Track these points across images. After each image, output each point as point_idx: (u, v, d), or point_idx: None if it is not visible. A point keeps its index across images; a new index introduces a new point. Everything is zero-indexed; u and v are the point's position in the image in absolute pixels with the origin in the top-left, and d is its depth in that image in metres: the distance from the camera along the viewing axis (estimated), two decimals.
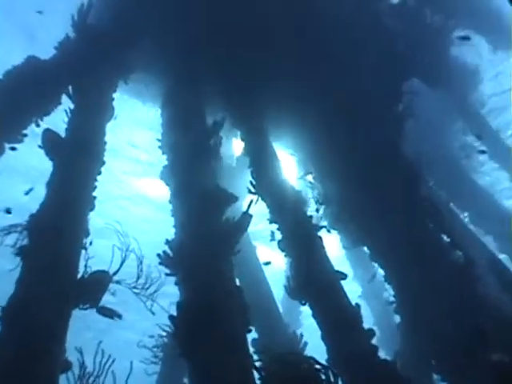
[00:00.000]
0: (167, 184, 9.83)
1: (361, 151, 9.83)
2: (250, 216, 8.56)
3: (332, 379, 6.21)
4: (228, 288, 7.18)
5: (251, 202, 8.97)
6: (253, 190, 10.07)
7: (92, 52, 10.17)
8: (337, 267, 9.09)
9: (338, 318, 8.00)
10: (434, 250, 9.55)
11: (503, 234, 12.94)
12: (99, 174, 9.02)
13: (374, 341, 8.34)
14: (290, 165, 13.08)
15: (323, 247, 9.15)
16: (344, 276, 8.88)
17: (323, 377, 6.36)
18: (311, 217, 9.58)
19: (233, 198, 8.69)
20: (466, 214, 12.94)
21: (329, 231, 10.27)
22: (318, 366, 6.48)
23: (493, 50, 15.76)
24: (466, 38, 13.81)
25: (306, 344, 10.50)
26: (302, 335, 10.77)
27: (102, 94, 9.89)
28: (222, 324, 6.54)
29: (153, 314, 7.63)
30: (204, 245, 7.70)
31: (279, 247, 9.50)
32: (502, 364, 4.16)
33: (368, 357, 7.65)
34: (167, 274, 8.18)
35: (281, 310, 14.79)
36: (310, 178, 11.60)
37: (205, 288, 6.99)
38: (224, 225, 8.22)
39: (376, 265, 10.44)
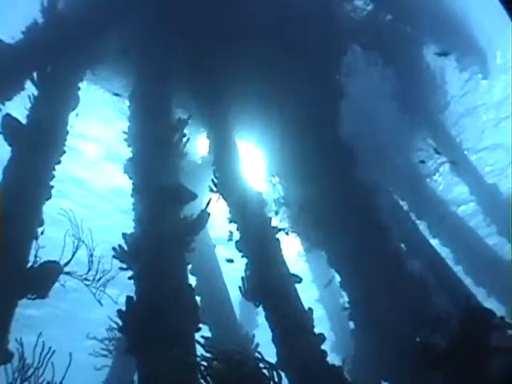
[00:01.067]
0: (130, 178, 9.74)
1: (321, 155, 9.91)
2: (208, 214, 8.54)
3: (276, 379, 6.23)
4: (179, 285, 7.14)
5: (210, 200, 8.95)
6: (214, 188, 10.07)
7: (60, 39, 10.01)
8: (296, 271, 9.15)
9: (290, 322, 8.02)
10: (389, 258, 9.68)
11: (456, 239, 13.25)
12: (58, 163, 8.88)
13: (326, 346, 8.41)
14: (256, 163, 13.07)
15: (280, 250, 9.18)
16: (299, 279, 8.92)
17: (268, 376, 6.38)
18: (270, 218, 9.61)
19: (192, 196, 8.65)
20: (421, 221, 13.15)
21: (287, 234, 10.33)
22: (264, 365, 6.50)
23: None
24: (444, 54, 13.98)
25: (257, 345, 10.51)
26: (253, 335, 10.79)
27: (67, 83, 9.73)
28: (169, 321, 6.50)
29: (101, 305, 7.55)
30: (159, 241, 7.65)
31: (236, 247, 9.50)
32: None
33: (316, 361, 7.68)
34: (121, 269, 8.12)
35: (238, 309, 14.92)
36: (274, 179, 11.64)
37: (155, 284, 6.95)
38: (181, 222, 8.18)
39: (333, 270, 10.56)
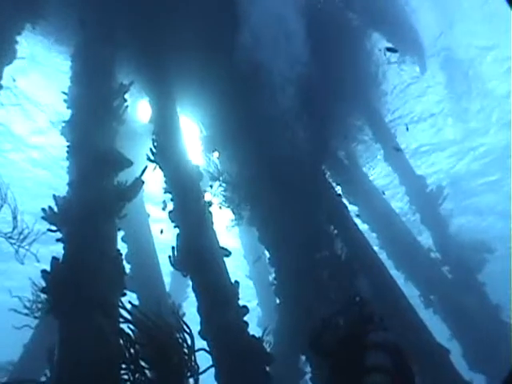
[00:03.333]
0: (67, 140, 9.57)
1: (254, 132, 10.08)
2: (142, 182, 8.55)
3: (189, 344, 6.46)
4: (107, 251, 7.16)
5: (145, 168, 8.94)
6: (152, 157, 10.04)
7: None
8: (229, 246, 9.34)
9: (214, 293, 8.22)
10: (317, 239, 10.03)
11: (386, 231, 13.86)
12: None
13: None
14: (194, 137, 13.07)
15: (212, 223, 9.34)
16: (228, 253, 9.12)
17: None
18: (205, 191, 9.73)
19: (127, 163, 8.62)
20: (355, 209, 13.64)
21: (220, 208, 10.50)
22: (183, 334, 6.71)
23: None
24: (393, 50, 14.26)
25: (183, 314, 10.65)
26: (180, 305, 10.94)
27: (2, 35, 9.35)
28: (93, 285, 6.53)
29: (22, 263, 7.48)
30: (90, 205, 7.61)
31: (169, 217, 9.56)
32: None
33: (236, 331, 7.93)
34: (50, 230, 8.03)
35: (169, 280, 15.05)
36: (211, 155, 11.72)
37: (82, 247, 6.94)
38: (114, 188, 8.15)
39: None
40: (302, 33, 10.44)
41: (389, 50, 14.23)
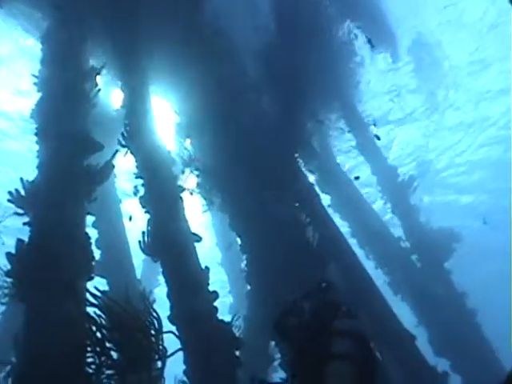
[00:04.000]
0: (36, 123, 9.42)
1: (226, 117, 10.07)
2: (113, 166, 8.48)
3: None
4: (75, 234, 7.09)
5: (116, 152, 8.86)
6: (123, 142, 9.94)
7: None
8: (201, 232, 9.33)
9: (184, 278, 8.22)
10: (288, 227, 10.09)
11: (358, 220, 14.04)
12: None
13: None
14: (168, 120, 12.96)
15: (183, 208, 9.31)
16: (199, 238, 9.11)
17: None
18: (176, 177, 9.69)
19: (98, 146, 8.52)
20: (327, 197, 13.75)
21: (191, 194, 10.47)
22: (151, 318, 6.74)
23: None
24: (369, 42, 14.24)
25: (154, 300, 10.57)
26: (151, 291, 10.85)
27: None
28: (59, 270, 6.47)
29: None
30: (58, 188, 7.53)
31: (140, 203, 9.50)
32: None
33: (205, 316, 7.96)
34: (17, 214, 7.93)
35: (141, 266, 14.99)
36: (184, 140, 11.67)
37: (49, 230, 6.86)
38: (83, 171, 8.06)
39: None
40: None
41: (369, 42, 14.21)
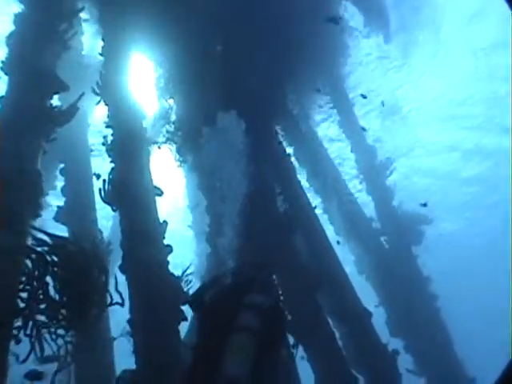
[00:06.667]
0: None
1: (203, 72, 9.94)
2: (77, 108, 8.34)
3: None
4: (26, 169, 6.98)
5: (82, 94, 8.71)
6: (97, 90, 9.79)
7: None
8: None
9: (139, 228, 8.15)
10: (260, 193, 10.02)
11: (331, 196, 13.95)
12: None
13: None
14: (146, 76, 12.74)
15: (148, 161, 9.22)
16: (160, 192, 9.03)
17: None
18: (145, 129, 9.57)
19: (63, 86, 8.36)
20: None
21: (159, 147, 10.37)
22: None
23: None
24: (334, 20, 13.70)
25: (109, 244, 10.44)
26: (110, 242, 10.73)
27: None
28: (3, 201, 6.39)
29: None
30: (17, 122, 7.39)
31: (107, 152, 9.38)
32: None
33: (156, 268, 7.91)
34: None
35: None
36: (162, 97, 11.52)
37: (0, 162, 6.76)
38: (45, 109, 7.91)
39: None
40: None
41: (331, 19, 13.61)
